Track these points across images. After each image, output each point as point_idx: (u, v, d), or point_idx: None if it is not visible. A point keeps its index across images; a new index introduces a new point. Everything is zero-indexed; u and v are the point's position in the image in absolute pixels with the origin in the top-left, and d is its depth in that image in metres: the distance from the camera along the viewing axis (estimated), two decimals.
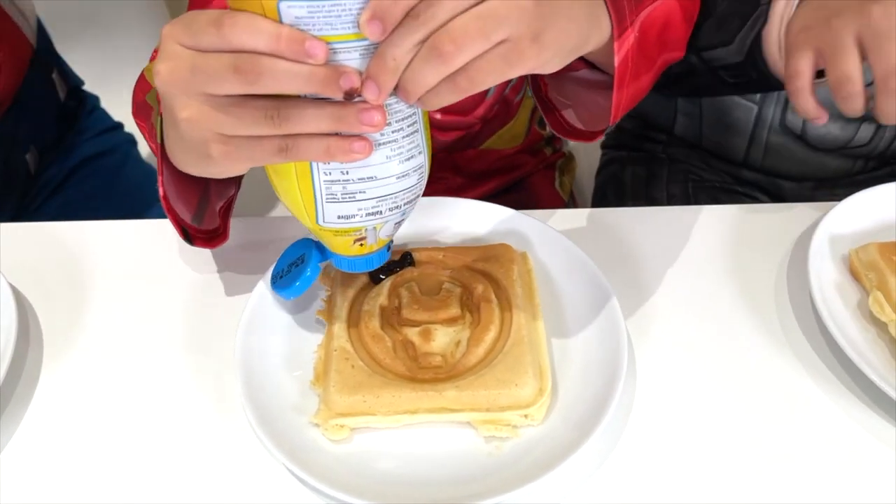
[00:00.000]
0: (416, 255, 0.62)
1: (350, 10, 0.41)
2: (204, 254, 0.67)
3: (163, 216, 0.70)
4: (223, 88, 0.43)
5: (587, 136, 0.62)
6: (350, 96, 0.43)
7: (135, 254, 0.68)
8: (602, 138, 0.59)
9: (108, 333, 0.62)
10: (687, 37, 0.67)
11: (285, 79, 0.42)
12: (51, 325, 0.63)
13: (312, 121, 0.43)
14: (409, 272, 0.61)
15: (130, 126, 1.08)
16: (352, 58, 0.43)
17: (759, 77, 0.68)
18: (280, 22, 0.41)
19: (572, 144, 1.09)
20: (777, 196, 0.92)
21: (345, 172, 0.47)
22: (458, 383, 0.54)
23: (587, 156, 1.15)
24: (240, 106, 0.44)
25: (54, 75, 0.99)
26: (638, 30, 0.54)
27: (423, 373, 0.55)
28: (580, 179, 1.17)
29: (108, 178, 1.02)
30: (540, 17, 0.43)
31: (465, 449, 0.53)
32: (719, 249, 0.67)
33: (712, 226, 0.69)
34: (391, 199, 0.49)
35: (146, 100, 0.62)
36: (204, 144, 0.46)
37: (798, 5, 0.63)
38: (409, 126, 0.47)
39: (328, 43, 0.41)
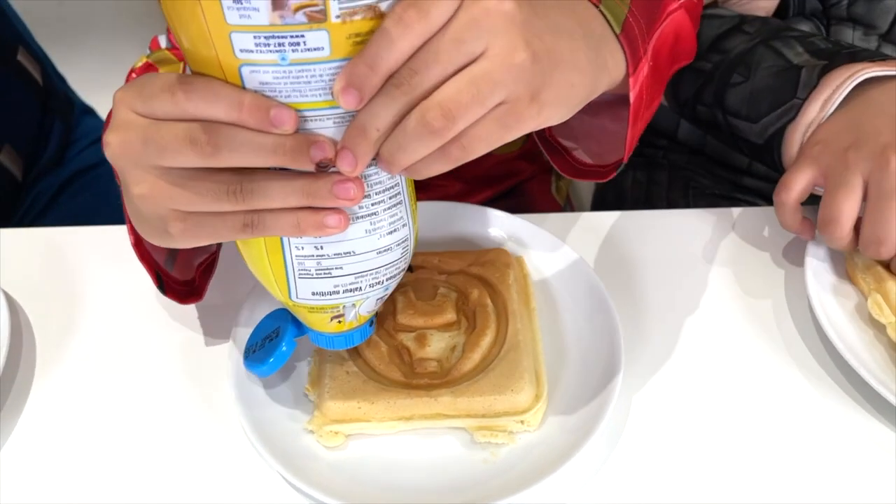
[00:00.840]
0: (411, 260, 0.62)
1: (321, 76, 0.37)
2: None
3: None
4: (178, 161, 0.39)
5: (599, 174, 0.56)
6: (323, 167, 0.38)
7: (129, 260, 0.67)
8: (614, 175, 0.54)
9: (101, 340, 0.62)
10: (695, 41, 0.64)
11: (248, 151, 0.38)
12: (44, 331, 0.62)
13: (279, 195, 0.39)
14: (403, 277, 0.61)
15: None
16: (324, 126, 0.39)
17: (772, 165, 0.66)
18: (243, 87, 0.38)
19: None
20: None
21: (319, 248, 0.43)
22: (454, 389, 0.53)
23: None
24: (198, 180, 0.39)
25: (20, 56, 0.91)
26: (651, 57, 0.50)
27: (419, 378, 0.54)
28: (578, 185, 1.17)
29: (100, 190, 0.99)
30: (539, 74, 0.39)
31: (460, 455, 0.53)
32: (716, 253, 0.67)
33: (709, 229, 0.69)
34: (371, 274, 0.45)
35: None
36: (161, 221, 0.42)
37: (836, 110, 0.60)
38: (390, 198, 0.43)
39: (298, 110, 0.38)
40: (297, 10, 0.35)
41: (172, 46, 0.67)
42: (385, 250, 0.44)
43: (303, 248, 0.43)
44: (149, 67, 0.65)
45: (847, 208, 0.56)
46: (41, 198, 0.95)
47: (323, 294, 0.45)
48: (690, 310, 0.62)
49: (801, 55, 0.65)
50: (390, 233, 0.44)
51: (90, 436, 0.56)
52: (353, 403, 0.53)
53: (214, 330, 0.61)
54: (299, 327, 0.51)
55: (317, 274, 0.44)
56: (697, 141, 0.92)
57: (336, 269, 0.44)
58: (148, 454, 0.55)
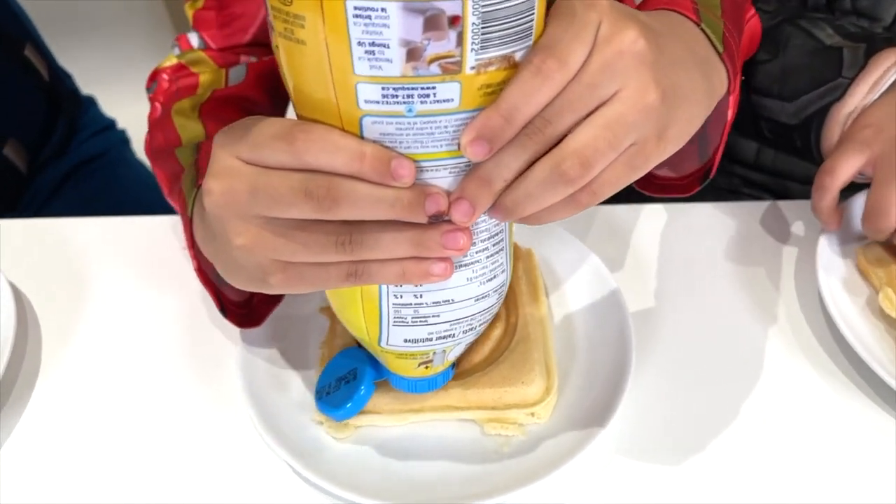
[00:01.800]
0: None
1: (445, 127, 0.35)
2: None
3: (164, 214, 0.70)
4: (290, 213, 0.37)
5: (679, 187, 0.54)
6: (434, 219, 0.37)
7: (134, 250, 0.67)
8: (698, 189, 0.52)
9: (107, 330, 0.61)
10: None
11: (366, 205, 0.35)
12: (49, 322, 0.62)
13: (389, 247, 0.37)
14: None
15: (123, 124, 1.07)
16: (439, 176, 0.37)
17: (803, 147, 0.64)
18: (361, 137, 0.36)
19: None
20: (784, 198, 0.91)
21: (418, 296, 0.41)
22: (464, 381, 0.53)
23: None
24: (305, 231, 0.37)
25: (27, 52, 0.91)
26: (741, 70, 0.49)
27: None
28: None
29: (103, 181, 0.99)
30: (665, 113, 0.38)
31: (470, 447, 0.53)
32: (726, 246, 0.67)
33: (719, 223, 0.69)
34: (466, 321, 0.43)
35: (175, 153, 0.56)
36: (260, 270, 0.40)
37: (885, 93, 0.58)
38: (493, 245, 0.42)
39: (415, 161, 0.36)
40: (431, 61, 0.33)
41: (206, 47, 0.65)
42: (482, 297, 0.43)
43: (401, 296, 0.41)
44: (181, 68, 0.64)
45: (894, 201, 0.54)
46: (44, 188, 0.95)
47: (416, 341, 0.44)
48: (700, 303, 0.62)
49: (833, 37, 0.63)
50: (489, 280, 0.43)
51: (96, 426, 0.55)
52: None
53: (221, 321, 0.61)
54: (378, 369, 0.50)
55: (412, 322, 0.43)
56: None
57: (433, 316, 0.42)
58: (155, 444, 0.54)
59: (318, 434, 0.53)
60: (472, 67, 0.34)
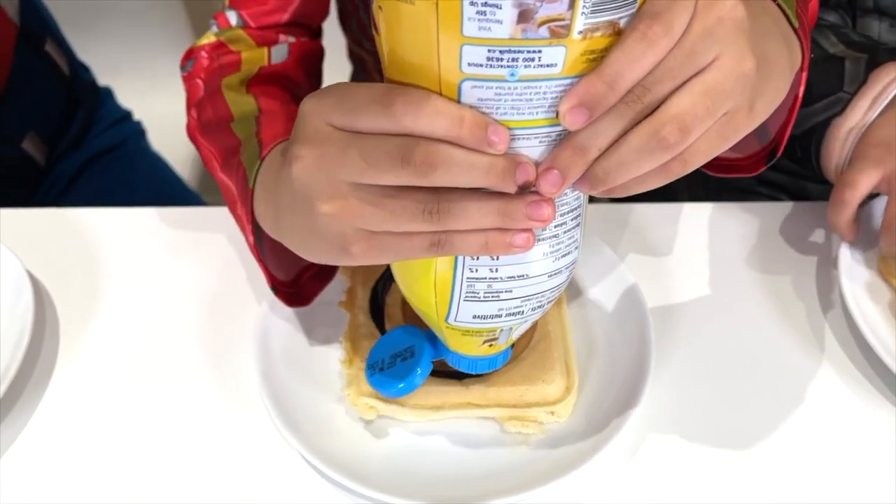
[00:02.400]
0: None
1: (544, 94, 0.34)
2: (222, 242, 0.66)
3: (180, 205, 0.70)
4: (383, 179, 0.36)
5: (744, 167, 0.53)
6: (522, 189, 0.36)
7: (152, 241, 0.67)
8: (764, 168, 0.52)
9: (124, 320, 0.61)
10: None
11: (460, 171, 0.35)
12: (67, 311, 0.62)
13: (475, 216, 0.36)
14: None
15: (139, 115, 1.07)
16: (529, 145, 0.36)
17: (803, 157, 0.64)
18: (458, 102, 0.35)
19: None
20: (800, 198, 0.91)
21: (493, 270, 0.40)
22: (484, 379, 0.53)
23: None
24: (393, 198, 0.37)
25: (48, 46, 0.91)
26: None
27: (449, 368, 0.54)
28: None
29: (119, 172, 0.99)
30: (758, 83, 0.37)
31: (490, 445, 0.53)
32: (747, 248, 0.66)
33: (738, 224, 0.68)
34: (537, 298, 0.42)
35: (231, 127, 0.56)
36: (342, 239, 0.39)
37: (884, 110, 0.59)
38: (572, 220, 0.41)
39: (508, 129, 0.35)
40: (541, 24, 0.32)
41: (245, 25, 0.65)
42: (555, 273, 0.42)
43: (476, 270, 0.41)
44: (220, 46, 0.63)
45: None
46: (61, 179, 0.96)
47: (485, 318, 0.43)
48: (720, 304, 0.62)
49: (836, 45, 0.64)
50: (564, 255, 0.42)
51: (113, 415, 0.55)
52: None
53: (237, 311, 0.61)
54: (436, 348, 0.49)
55: (484, 297, 0.42)
56: None
57: (505, 292, 0.41)
58: (172, 435, 0.54)
59: (336, 428, 0.53)
60: (580, 32, 0.33)
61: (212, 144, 0.57)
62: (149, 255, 0.66)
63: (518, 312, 0.43)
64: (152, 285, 0.64)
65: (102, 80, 1.07)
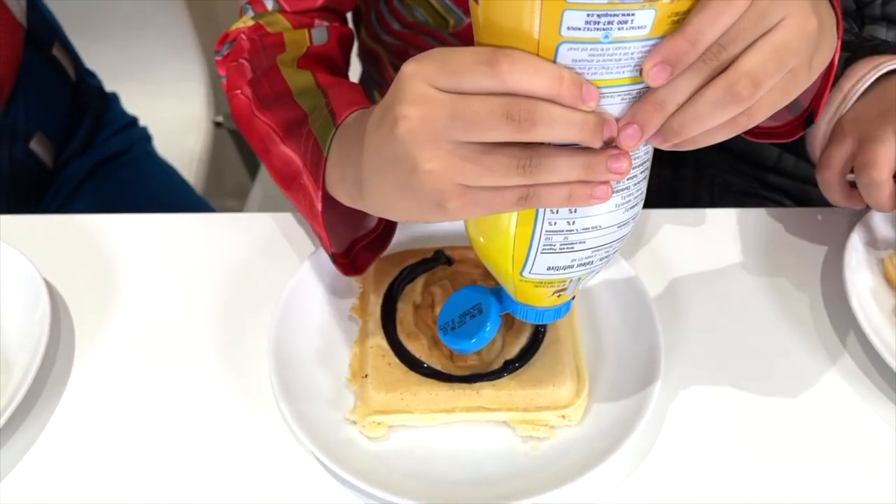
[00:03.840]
0: (449, 254, 0.62)
1: (631, 54, 0.37)
2: (236, 249, 0.67)
3: (191, 211, 0.71)
4: (488, 136, 0.38)
5: (781, 134, 0.57)
6: (605, 144, 0.39)
7: (167, 247, 0.68)
8: (801, 134, 0.56)
9: (139, 326, 0.62)
10: None
11: (559, 127, 0.38)
12: (82, 317, 0.63)
13: (564, 170, 0.39)
14: (441, 270, 0.61)
15: (145, 121, 1.08)
16: (612, 102, 0.38)
17: (801, 151, 0.67)
18: (555, 63, 0.37)
19: None
20: (804, 202, 0.91)
21: (571, 223, 0.43)
22: (496, 382, 0.53)
23: None
24: (491, 154, 0.39)
25: (55, 50, 0.93)
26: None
27: (460, 371, 0.55)
28: None
29: (126, 177, 1.00)
30: (817, 42, 0.41)
31: (501, 448, 0.53)
32: (752, 252, 0.67)
33: (744, 229, 0.69)
34: (605, 248, 0.45)
35: (294, 100, 0.57)
36: (439, 195, 0.41)
37: (857, 99, 0.61)
38: (641, 173, 0.43)
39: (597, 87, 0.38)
40: None
41: (280, 9, 0.66)
42: (624, 224, 0.44)
43: (555, 223, 0.43)
44: (259, 28, 0.64)
45: (882, 151, 0.56)
46: (69, 184, 0.96)
47: (558, 269, 0.45)
48: (727, 309, 0.62)
49: None
50: (632, 206, 0.44)
51: (128, 420, 0.56)
52: (396, 395, 0.53)
53: (253, 319, 0.61)
54: (502, 302, 0.51)
55: (560, 249, 0.44)
56: None
57: (579, 243, 0.44)
58: (186, 439, 0.55)
59: (349, 432, 0.54)
60: None
61: (272, 118, 0.58)
62: (162, 261, 0.66)
63: (588, 262, 0.45)
64: (166, 291, 0.64)
65: (107, 86, 1.08)
